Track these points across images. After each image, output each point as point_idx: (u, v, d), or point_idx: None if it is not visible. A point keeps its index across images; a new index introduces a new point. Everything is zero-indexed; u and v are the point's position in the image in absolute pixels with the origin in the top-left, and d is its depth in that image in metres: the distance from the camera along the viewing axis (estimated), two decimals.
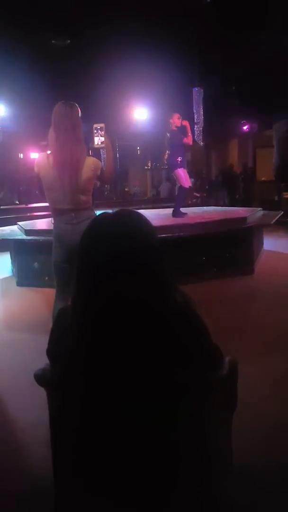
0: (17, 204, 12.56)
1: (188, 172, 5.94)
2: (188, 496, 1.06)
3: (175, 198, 5.96)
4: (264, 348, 2.86)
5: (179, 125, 5.48)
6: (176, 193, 5.96)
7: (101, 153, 2.57)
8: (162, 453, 1.02)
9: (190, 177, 9.44)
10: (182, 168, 5.55)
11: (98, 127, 2.51)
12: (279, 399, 2.20)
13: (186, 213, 5.69)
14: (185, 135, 5.46)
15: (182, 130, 5.49)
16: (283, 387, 2.32)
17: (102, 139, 2.51)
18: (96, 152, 2.56)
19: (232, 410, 1.27)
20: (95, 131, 2.51)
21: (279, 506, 1.51)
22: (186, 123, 5.53)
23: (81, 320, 1.03)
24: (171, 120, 5.50)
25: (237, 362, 1.19)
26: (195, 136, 9.65)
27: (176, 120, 5.47)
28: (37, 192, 2.36)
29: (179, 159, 5.50)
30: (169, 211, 6.27)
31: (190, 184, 5.68)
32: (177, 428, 1.02)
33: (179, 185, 5.74)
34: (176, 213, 5.65)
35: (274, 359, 2.67)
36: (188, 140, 5.49)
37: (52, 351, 1.14)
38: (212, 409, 1.11)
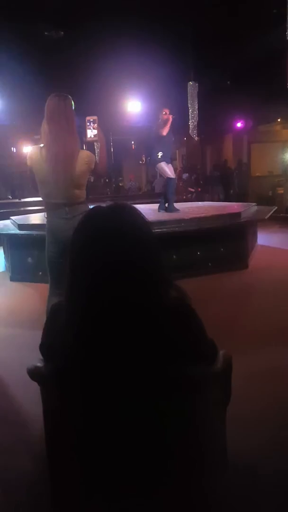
0: (10, 198, 12.48)
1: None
2: (183, 490, 1.06)
3: (167, 194, 6.00)
4: (259, 342, 2.87)
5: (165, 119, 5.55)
6: (167, 188, 6.01)
7: (95, 146, 2.54)
8: (157, 448, 1.02)
9: (185, 172, 9.42)
10: (164, 162, 5.61)
11: (91, 120, 2.48)
12: (274, 393, 2.21)
13: (178, 210, 5.73)
14: (163, 127, 5.52)
15: (164, 123, 5.55)
16: (278, 381, 2.33)
17: (95, 132, 2.48)
18: (90, 145, 2.53)
19: (226, 403, 1.27)
20: (88, 123, 2.48)
21: (275, 501, 1.52)
22: (169, 117, 5.57)
23: (75, 316, 1.01)
24: (160, 116, 5.60)
25: (231, 356, 1.19)
26: (190, 131, 9.63)
27: (163, 115, 5.55)
28: (30, 185, 2.33)
29: (160, 154, 5.58)
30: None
31: (173, 176, 5.76)
32: (171, 423, 1.02)
33: (165, 178, 5.81)
34: (170, 209, 5.69)
35: (269, 353, 2.68)
36: (162, 130, 5.50)
37: (45, 346, 1.13)
38: (206, 403, 1.11)
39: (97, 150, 2.71)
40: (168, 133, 5.55)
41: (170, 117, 5.56)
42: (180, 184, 11.52)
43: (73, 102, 2.45)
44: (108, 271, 0.97)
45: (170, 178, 5.76)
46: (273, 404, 2.10)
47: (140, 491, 1.04)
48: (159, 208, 5.99)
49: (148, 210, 5.88)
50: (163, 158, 5.62)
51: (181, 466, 1.05)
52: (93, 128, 2.48)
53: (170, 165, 5.81)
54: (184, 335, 1.03)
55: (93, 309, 0.98)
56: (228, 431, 1.28)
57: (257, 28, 7.25)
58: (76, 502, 1.10)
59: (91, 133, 2.48)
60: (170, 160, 5.88)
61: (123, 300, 0.97)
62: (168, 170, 5.63)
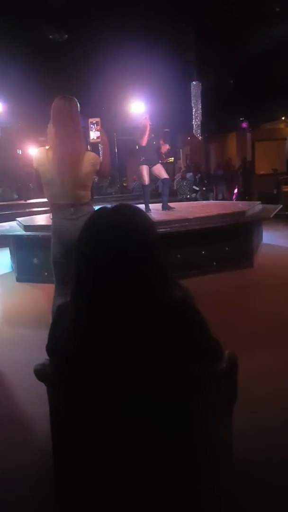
0: (16, 197, 12.53)
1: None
2: (189, 489, 1.07)
3: (143, 197, 6.18)
4: (265, 341, 2.87)
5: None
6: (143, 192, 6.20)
7: (99, 147, 2.56)
8: (163, 448, 1.02)
9: (189, 171, 9.46)
10: (145, 166, 5.77)
11: (94, 122, 2.50)
12: (280, 392, 2.21)
13: (150, 210, 5.80)
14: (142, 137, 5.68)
15: (142, 132, 5.70)
16: (283, 380, 2.33)
17: (98, 133, 2.50)
18: (94, 147, 2.54)
19: (232, 404, 1.27)
20: (91, 125, 2.49)
21: (281, 501, 1.52)
22: (147, 124, 5.68)
23: (80, 316, 1.02)
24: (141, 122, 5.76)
25: (237, 356, 1.19)
26: (193, 130, 9.62)
27: (143, 120, 5.70)
28: (30, 185, 2.35)
29: (142, 158, 5.76)
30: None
31: (146, 183, 5.95)
32: (177, 423, 1.02)
33: (141, 183, 6.02)
34: (164, 207, 5.83)
35: (274, 352, 2.68)
36: (141, 141, 5.67)
37: (51, 347, 1.14)
38: (212, 403, 1.11)
39: (101, 152, 2.73)
40: (149, 140, 5.67)
41: (148, 124, 5.65)
42: (184, 184, 11.51)
43: (78, 104, 2.47)
44: (113, 271, 0.98)
45: (144, 185, 5.97)
46: (279, 403, 2.10)
47: (145, 492, 1.04)
48: (162, 208, 6.06)
49: (152, 209, 5.92)
50: (145, 162, 5.77)
51: (186, 465, 1.06)
52: (96, 130, 2.49)
53: (159, 165, 5.93)
54: (189, 334, 1.03)
55: (98, 308, 0.99)
56: (234, 431, 1.29)
57: (260, 26, 7.23)
58: (81, 501, 1.11)
59: (94, 134, 2.50)
60: (157, 161, 6.00)
61: (128, 299, 0.98)
62: (142, 175, 5.82)
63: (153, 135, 5.73)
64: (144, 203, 5.88)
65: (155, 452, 1.02)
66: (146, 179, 5.87)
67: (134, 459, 1.03)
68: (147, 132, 5.61)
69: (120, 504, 1.06)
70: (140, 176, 5.90)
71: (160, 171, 5.92)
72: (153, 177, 6.26)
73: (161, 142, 5.97)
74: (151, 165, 5.81)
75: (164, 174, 6.00)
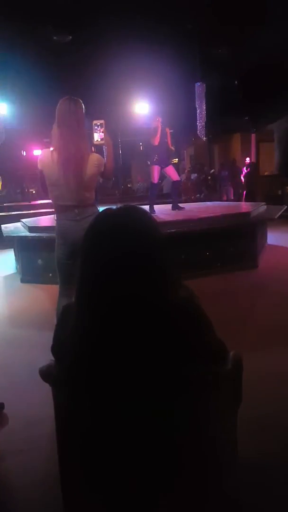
0: (21, 199, 12.57)
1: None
2: (194, 490, 1.06)
3: (149, 195, 6.33)
4: (269, 342, 2.86)
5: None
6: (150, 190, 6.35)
7: (104, 149, 2.56)
8: (168, 449, 1.02)
9: (193, 172, 9.49)
10: (157, 166, 5.90)
11: (98, 124, 2.50)
12: (284, 393, 2.20)
13: (155, 212, 5.86)
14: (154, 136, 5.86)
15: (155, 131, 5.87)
16: None
17: (102, 135, 2.50)
18: (99, 148, 2.55)
19: (237, 404, 1.26)
20: (95, 127, 2.50)
21: (285, 503, 1.51)
22: (158, 124, 5.87)
23: (85, 317, 1.03)
24: (152, 123, 5.99)
25: (241, 356, 1.19)
26: (198, 131, 9.61)
27: (155, 122, 5.90)
28: (33, 188, 2.36)
29: (155, 157, 5.89)
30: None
31: (155, 181, 6.09)
32: (182, 423, 1.02)
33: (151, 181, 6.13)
34: (150, 209, 5.87)
35: (279, 353, 2.66)
36: (153, 140, 5.85)
37: (56, 348, 1.15)
38: (217, 403, 1.11)
39: (105, 153, 2.74)
40: (160, 140, 5.83)
41: (159, 124, 5.81)
42: (189, 185, 11.51)
43: (83, 106, 2.48)
44: (118, 272, 0.98)
45: (153, 184, 6.08)
46: (284, 405, 2.09)
47: (150, 492, 1.04)
48: (172, 208, 6.16)
49: (157, 210, 5.93)
50: (157, 163, 5.90)
51: (191, 466, 1.05)
52: (100, 131, 2.50)
53: (171, 166, 6.12)
54: (193, 335, 1.03)
55: (103, 308, 0.99)
56: (239, 432, 1.28)
57: (265, 26, 7.20)
58: (87, 502, 1.11)
59: (98, 136, 2.50)
60: (169, 162, 6.19)
61: (132, 300, 0.98)
62: (152, 175, 5.93)
63: (165, 140, 5.90)
64: (149, 203, 5.97)
65: (160, 453, 1.02)
66: (156, 178, 5.97)
67: (139, 460, 1.03)
68: (159, 133, 5.76)
69: (126, 504, 1.05)
70: (151, 174, 5.99)
71: (172, 172, 6.07)
72: (159, 179, 6.33)
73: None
74: (163, 165, 5.94)
75: (176, 176, 6.17)
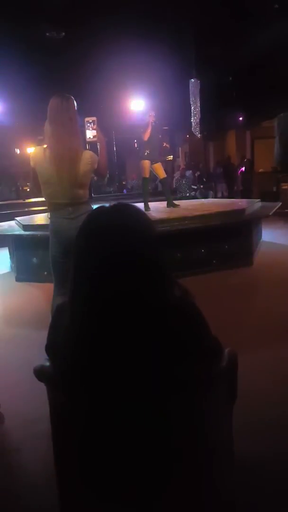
0: (15, 197, 12.50)
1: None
2: (191, 488, 1.06)
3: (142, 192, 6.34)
4: (264, 339, 2.87)
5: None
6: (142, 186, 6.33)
7: (97, 146, 2.54)
8: (164, 447, 1.02)
9: (188, 169, 9.54)
10: (148, 160, 5.88)
11: (90, 121, 2.48)
12: (279, 390, 2.21)
13: (149, 209, 5.85)
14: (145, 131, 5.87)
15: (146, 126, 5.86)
16: (283, 378, 2.32)
17: (94, 132, 2.49)
18: (93, 146, 2.53)
19: (232, 401, 1.27)
20: (87, 124, 2.48)
21: (282, 503, 1.52)
22: (150, 119, 5.84)
23: (79, 316, 1.02)
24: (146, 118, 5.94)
25: (236, 354, 1.19)
26: (192, 128, 9.60)
27: (148, 117, 5.86)
28: (28, 184, 2.34)
29: (146, 152, 5.86)
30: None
31: (147, 176, 6.06)
32: (178, 421, 1.02)
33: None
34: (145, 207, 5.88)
35: (274, 350, 2.68)
36: (144, 135, 5.84)
37: (51, 347, 1.14)
38: (212, 401, 1.11)
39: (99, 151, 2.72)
40: (152, 134, 5.82)
41: (151, 119, 5.80)
42: (183, 182, 11.51)
43: (75, 103, 2.45)
44: (112, 270, 0.98)
45: (145, 178, 6.06)
46: (279, 402, 2.10)
47: (146, 491, 1.04)
48: (167, 205, 6.17)
49: (152, 207, 5.92)
50: (148, 157, 5.88)
51: (188, 465, 1.05)
52: (92, 129, 2.48)
53: (159, 164, 6.05)
54: (188, 333, 1.03)
55: (97, 307, 0.99)
56: (234, 430, 1.28)
57: (259, 22, 7.20)
58: (83, 501, 1.11)
59: (90, 133, 2.49)
60: (159, 159, 6.12)
61: (127, 298, 0.97)
62: (145, 169, 5.91)
63: (160, 136, 5.94)
64: (143, 199, 5.95)
65: (156, 452, 1.02)
66: (147, 172, 5.96)
67: (135, 459, 1.03)
68: (149, 128, 5.76)
69: (123, 504, 1.05)
70: (142, 169, 5.99)
71: (159, 169, 6.02)
72: (152, 176, 6.30)
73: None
74: (153, 161, 5.93)
75: (162, 174, 6.11)
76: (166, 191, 6.44)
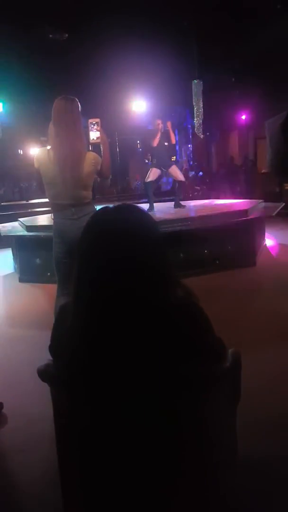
0: (18, 198, 12.53)
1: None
2: (194, 488, 1.06)
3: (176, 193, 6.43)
4: (268, 340, 2.86)
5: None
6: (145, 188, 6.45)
7: (101, 148, 2.55)
8: (167, 447, 1.02)
9: (191, 170, 9.59)
10: (156, 168, 6.03)
11: (94, 122, 2.49)
12: (283, 390, 2.20)
13: (153, 210, 5.94)
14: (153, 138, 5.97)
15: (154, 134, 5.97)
16: (286, 378, 2.32)
17: (98, 134, 2.50)
18: (96, 147, 2.54)
19: (236, 402, 1.26)
20: (91, 126, 2.49)
21: (285, 503, 1.51)
22: (159, 127, 5.92)
23: (83, 316, 1.02)
24: (153, 125, 6.07)
25: (240, 354, 1.19)
26: (195, 129, 9.60)
27: (156, 126, 5.94)
28: (34, 185, 2.35)
29: (154, 161, 6.03)
30: (171, 204, 6.36)
31: (148, 180, 6.15)
32: (181, 422, 1.02)
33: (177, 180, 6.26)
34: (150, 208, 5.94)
35: (278, 351, 2.67)
36: (153, 141, 5.94)
37: (54, 348, 1.14)
38: (216, 401, 1.11)
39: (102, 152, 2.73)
40: (160, 142, 5.92)
41: (160, 127, 5.89)
42: (186, 183, 11.49)
43: (79, 104, 2.47)
44: (115, 271, 0.98)
45: (145, 182, 6.17)
46: (282, 402, 2.09)
47: (150, 492, 1.04)
48: (175, 206, 6.22)
49: (156, 208, 5.93)
50: (156, 165, 6.03)
51: (191, 465, 1.05)
52: (96, 130, 2.49)
53: (174, 166, 6.17)
54: (192, 333, 1.03)
55: (100, 308, 0.99)
56: (238, 431, 1.28)
57: (261, 23, 7.19)
58: (86, 501, 1.11)
59: (94, 135, 2.50)
60: (171, 163, 6.22)
61: (130, 299, 0.97)
62: (151, 174, 6.04)
63: (166, 144, 6.00)
64: (148, 201, 6.03)
65: (159, 452, 1.02)
66: (150, 178, 6.05)
67: (138, 459, 1.03)
68: (158, 135, 5.87)
69: (125, 505, 1.05)
70: (148, 174, 6.10)
71: (176, 172, 6.13)
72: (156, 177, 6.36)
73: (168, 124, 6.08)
74: (164, 167, 6.06)
75: (179, 177, 6.21)
76: (178, 192, 6.51)
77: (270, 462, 1.67)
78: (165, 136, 6.00)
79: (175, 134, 6.26)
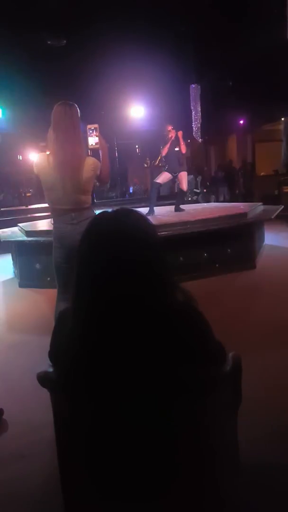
0: (18, 203, 12.55)
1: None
2: (194, 492, 1.06)
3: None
4: (268, 343, 2.86)
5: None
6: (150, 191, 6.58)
7: (100, 153, 2.56)
8: (168, 451, 1.02)
9: (190, 173, 9.69)
10: (167, 173, 6.10)
11: (92, 128, 2.51)
12: (282, 394, 2.19)
13: (153, 212, 5.97)
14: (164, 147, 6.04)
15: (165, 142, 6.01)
16: (286, 381, 2.31)
17: (96, 139, 2.52)
18: (95, 153, 2.55)
19: (237, 405, 1.26)
20: (89, 131, 2.51)
21: (285, 500, 1.51)
22: (170, 135, 5.94)
23: (82, 321, 1.02)
24: (164, 132, 6.08)
25: (240, 357, 1.19)
26: (194, 133, 9.64)
27: (167, 132, 5.96)
28: (30, 190, 2.37)
29: (166, 167, 6.11)
30: (170, 208, 6.38)
31: (156, 181, 6.20)
32: (182, 425, 1.02)
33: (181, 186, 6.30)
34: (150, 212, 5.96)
35: (277, 353, 2.66)
36: (162, 151, 6.02)
37: (54, 353, 1.14)
38: (217, 405, 1.11)
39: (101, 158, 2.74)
40: (170, 149, 5.94)
41: (171, 134, 5.88)
42: (188, 193, 11.52)
43: (78, 110, 2.48)
44: (114, 275, 0.98)
45: (154, 182, 6.22)
46: (284, 405, 2.09)
47: (149, 494, 1.04)
48: (175, 210, 6.25)
49: (155, 212, 5.94)
50: (169, 170, 6.09)
51: (192, 469, 1.05)
52: (95, 136, 2.51)
53: (183, 173, 6.16)
54: (192, 337, 1.03)
55: (99, 313, 0.99)
56: (239, 433, 1.28)
57: (258, 27, 7.24)
58: (87, 506, 1.11)
59: (92, 140, 2.51)
60: (180, 170, 6.20)
61: (130, 303, 0.97)
62: (162, 177, 6.11)
63: (177, 149, 5.98)
64: (150, 203, 6.05)
65: (160, 455, 1.01)
66: (159, 180, 6.09)
67: (138, 462, 1.02)
68: (169, 143, 5.89)
69: (125, 506, 1.05)
70: (159, 175, 6.14)
71: (182, 180, 6.13)
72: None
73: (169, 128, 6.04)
74: (174, 173, 6.08)
75: (184, 185, 6.21)
76: (179, 200, 6.53)
77: (272, 466, 1.67)
78: (176, 141, 5.97)
79: (185, 145, 6.22)
